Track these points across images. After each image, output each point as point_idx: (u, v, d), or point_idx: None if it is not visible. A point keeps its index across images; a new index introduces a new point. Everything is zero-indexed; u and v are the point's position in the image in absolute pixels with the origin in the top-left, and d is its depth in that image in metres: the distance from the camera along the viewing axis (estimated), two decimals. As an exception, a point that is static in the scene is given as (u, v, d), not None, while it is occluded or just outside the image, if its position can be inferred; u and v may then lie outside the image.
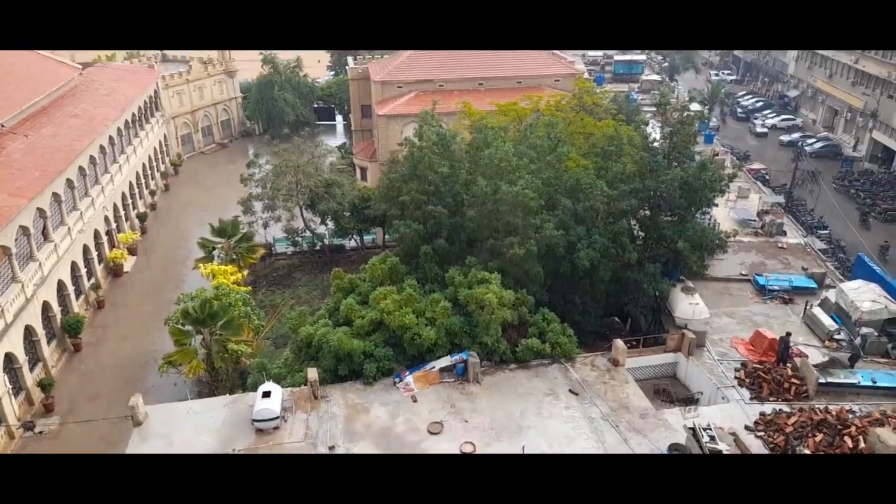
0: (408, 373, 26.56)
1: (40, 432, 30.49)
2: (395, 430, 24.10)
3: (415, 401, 25.53)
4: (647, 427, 24.15)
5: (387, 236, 45.12)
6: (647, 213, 33.10)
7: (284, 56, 76.83)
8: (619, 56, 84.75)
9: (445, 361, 26.76)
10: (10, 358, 30.67)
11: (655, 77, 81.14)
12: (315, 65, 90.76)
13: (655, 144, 35.54)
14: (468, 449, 22.92)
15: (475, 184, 30.16)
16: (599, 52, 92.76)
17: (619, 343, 28.18)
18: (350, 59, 64.75)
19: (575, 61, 61.41)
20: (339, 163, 52.51)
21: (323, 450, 22.97)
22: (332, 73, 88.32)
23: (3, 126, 40.53)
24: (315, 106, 79.75)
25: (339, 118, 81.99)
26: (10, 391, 30.38)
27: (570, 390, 26.25)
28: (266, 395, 24.31)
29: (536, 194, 29.46)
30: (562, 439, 23.57)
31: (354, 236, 47.06)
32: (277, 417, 23.79)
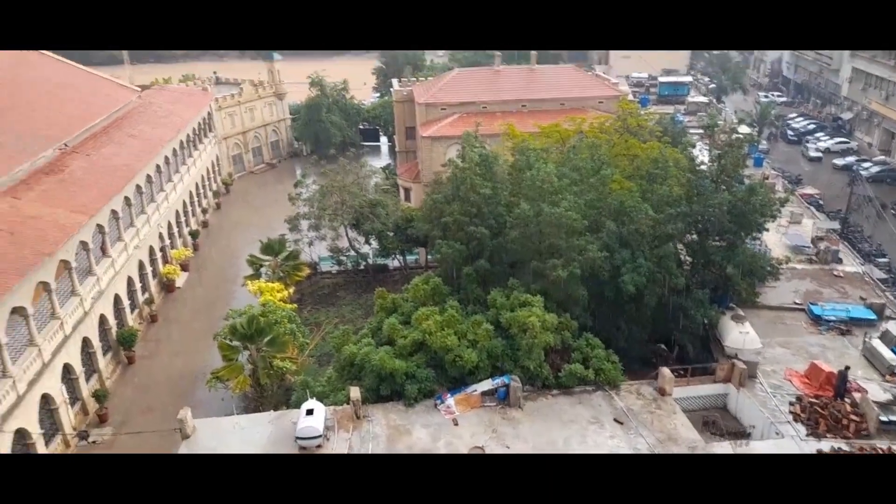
0: (449, 395, 26.55)
1: (94, 442, 31.56)
2: (437, 452, 24.05)
3: (456, 424, 25.48)
4: (695, 458, 23.49)
5: (429, 256, 45.47)
6: (695, 237, 32.51)
7: (332, 78, 78.82)
8: (664, 78, 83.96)
9: (487, 385, 26.66)
10: (67, 369, 31.95)
11: (702, 99, 79.94)
12: (361, 87, 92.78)
13: (703, 167, 34.99)
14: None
15: (517, 205, 30.22)
16: (644, 73, 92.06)
17: (665, 371, 27.56)
18: (395, 82, 65.92)
19: (619, 83, 61.12)
20: (383, 183, 53.35)
21: (364, 469, 23.08)
22: (378, 95, 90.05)
23: (66, 145, 42.66)
24: (360, 127, 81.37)
25: (383, 139, 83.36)
26: (67, 401, 31.59)
27: (615, 419, 25.76)
28: (309, 412, 24.64)
29: (580, 216, 29.33)
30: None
31: (397, 256, 47.56)
32: (320, 436, 24.05)
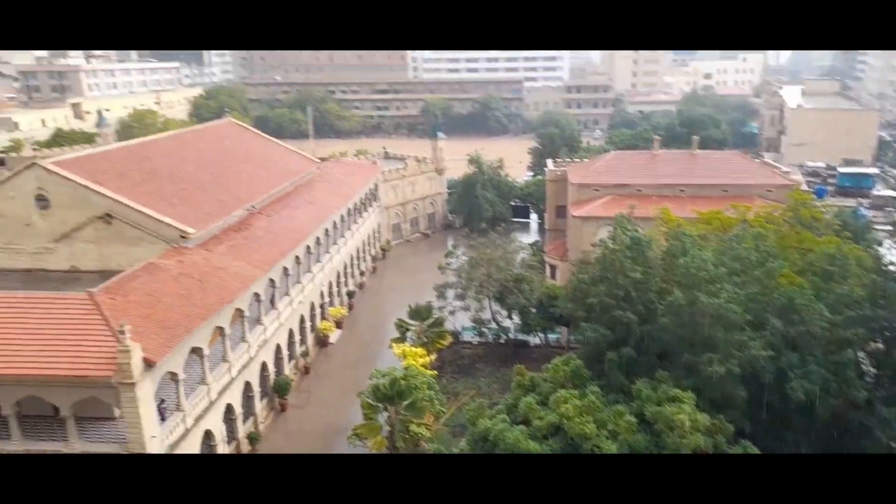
0: (584, 485, 25.22)
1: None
2: None
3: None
4: None
5: (571, 337, 44.49)
6: (881, 346, 28.79)
7: (489, 156, 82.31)
8: (844, 168, 77.25)
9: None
10: (229, 409, 34.98)
11: (890, 192, 72.14)
12: (516, 165, 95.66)
13: (892, 268, 31.30)
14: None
15: (670, 293, 28.91)
16: (820, 163, 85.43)
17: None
18: (550, 162, 67.24)
19: (790, 171, 57.25)
20: (530, 259, 53.79)
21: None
22: (532, 174, 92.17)
23: (254, 207, 48.33)
24: (512, 204, 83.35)
25: (533, 216, 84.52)
26: (225, 439, 34.42)
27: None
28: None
29: (741, 309, 27.34)
30: None
31: (539, 333, 47.12)
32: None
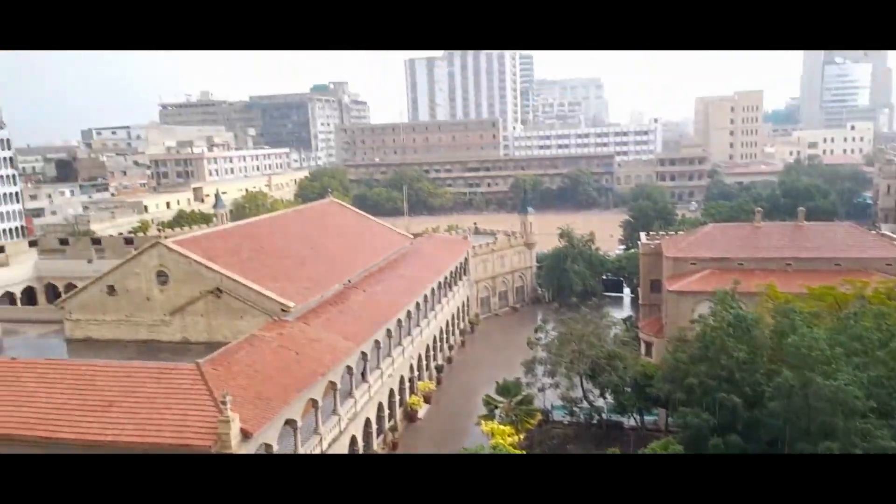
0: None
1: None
2: None
3: None
4: None
5: (669, 420, 41.95)
6: None
7: (580, 230, 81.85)
8: (980, 236, 69.97)
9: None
10: (319, 481, 35.35)
11: None
12: (608, 238, 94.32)
13: None
14: None
15: (778, 374, 26.90)
16: (951, 231, 78.00)
17: None
18: (643, 235, 65.82)
19: (914, 242, 52.73)
20: (623, 335, 51.95)
21: None
22: (624, 247, 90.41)
23: (349, 281, 50.29)
24: (604, 278, 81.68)
25: (626, 291, 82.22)
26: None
27: None
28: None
29: (862, 393, 24.92)
30: None
31: (634, 414, 44.77)
32: None
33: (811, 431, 25.58)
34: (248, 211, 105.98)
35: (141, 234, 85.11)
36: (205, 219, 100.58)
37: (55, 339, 43.55)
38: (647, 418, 45.21)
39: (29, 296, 63.97)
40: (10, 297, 61.68)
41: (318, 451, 35.27)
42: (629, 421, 45.36)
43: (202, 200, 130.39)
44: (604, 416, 45.42)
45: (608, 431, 44.52)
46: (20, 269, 64.35)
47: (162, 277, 42.50)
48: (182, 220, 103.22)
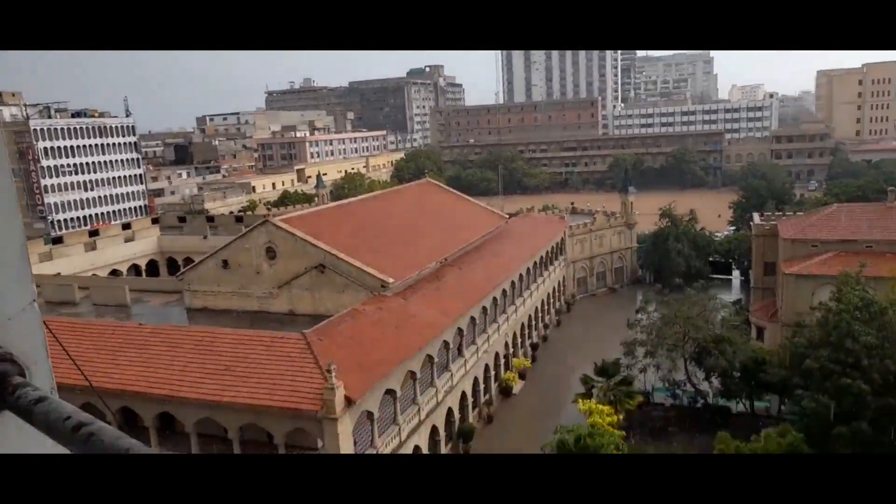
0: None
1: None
2: None
3: None
4: None
5: (782, 407, 39.36)
6: None
7: (684, 210, 78.03)
8: None
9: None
10: (416, 450, 36.19)
11: None
12: (716, 219, 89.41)
13: None
14: None
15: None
16: None
17: None
18: (756, 215, 61.75)
19: None
20: (731, 319, 49.15)
21: None
22: (734, 228, 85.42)
23: (446, 260, 50.75)
24: (711, 260, 77.56)
25: (735, 273, 77.72)
26: (412, 480, 35.49)
27: None
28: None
29: None
30: None
31: (743, 400, 42.36)
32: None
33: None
34: (347, 191, 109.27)
35: (250, 213, 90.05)
36: (307, 199, 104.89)
37: (176, 307, 47.08)
38: (758, 404, 42.68)
39: (152, 268, 69.64)
40: (136, 269, 67.39)
41: (415, 420, 36.08)
42: (737, 406, 42.99)
43: (305, 181, 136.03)
44: (709, 400, 43.32)
45: (713, 416, 42.41)
46: (144, 244, 70.09)
47: (270, 253, 44.75)
48: (286, 199, 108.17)
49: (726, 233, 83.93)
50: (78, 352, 34.40)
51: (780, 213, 62.64)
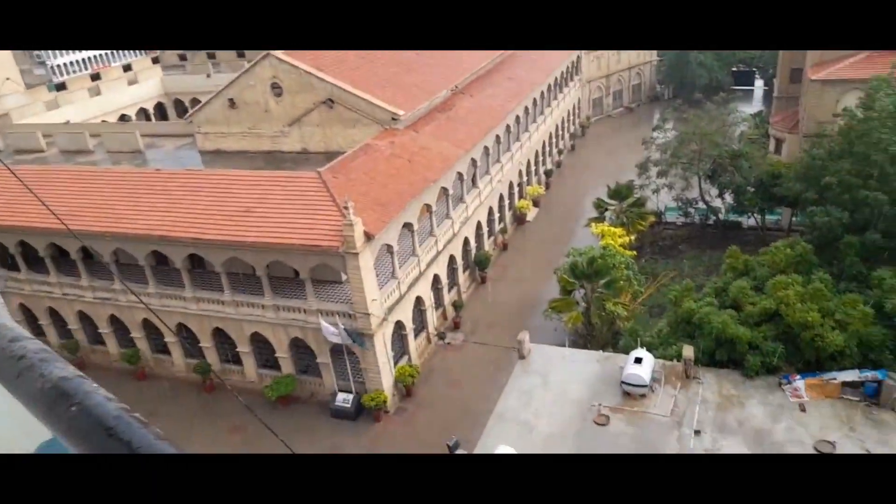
0: (799, 377, 23.54)
1: (448, 343, 37.28)
2: (774, 435, 21.83)
3: (803, 410, 22.59)
4: None
5: (793, 219, 39.87)
6: None
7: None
8: None
9: (852, 375, 22.77)
10: (436, 279, 37.98)
11: None
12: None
13: None
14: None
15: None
16: None
17: None
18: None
19: None
20: (751, 133, 48.02)
21: (688, 431, 22.40)
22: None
23: (457, 87, 48.95)
24: (734, 70, 73.85)
25: (758, 83, 74.35)
26: (434, 305, 37.77)
27: None
28: (638, 360, 24.68)
29: None
30: None
31: (755, 214, 42.87)
32: (646, 385, 24.02)
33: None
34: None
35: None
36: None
37: (189, 150, 46.96)
38: (769, 218, 43.24)
39: (160, 111, 68.46)
40: (144, 113, 66.34)
41: (433, 251, 37.39)
42: (748, 221, 43.66)
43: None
44: (721, 216, 43.91)
45: (724, 232, 43.32)
46: (149, 86, 68.15)
47: (276, 89, 43.39)
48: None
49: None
50: (102, 199, 35.24)
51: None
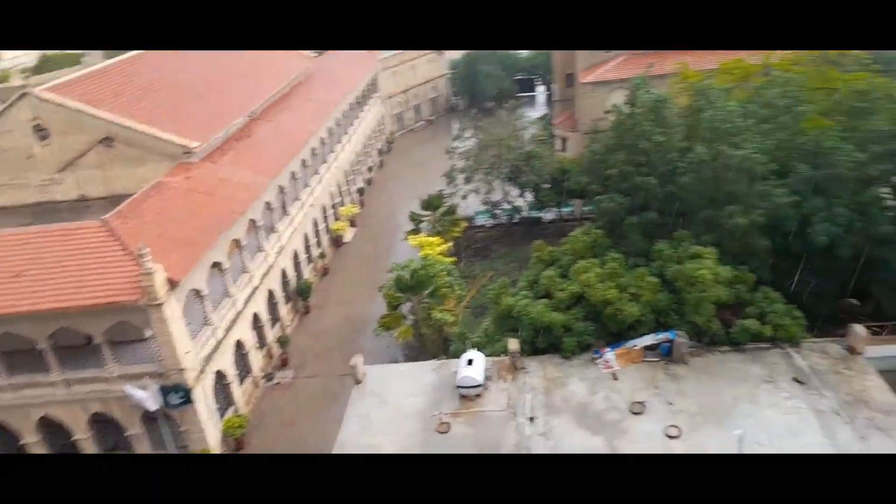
0: (608, 349, 25.76)
1: (277, 383, 35.22)
2: (594, 406, 23.59)
3: (615, 378, 24.72)
4: (893, 424, 20.71)
5: (584, 208, 43.97)
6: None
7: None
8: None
9: (649, 339, 25.40)
10: (256, 317, 35.79)
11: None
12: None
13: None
14: (673, 433, 21.65)
15: (692, 150, 27.84)
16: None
17: (857, 328, 24.24)
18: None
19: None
20: (539, 134, 52.21)
21: (523, 420, 23.35)
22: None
23: (253, 113, 46.93)
24: (517, 78, 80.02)
25: (540, 89, 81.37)
26: (257, 345, 35.50)
27: (795, 378, 23.32)
28: (469, 362, 25.27)
29: (767, 158, 26.40)
30: (782, 431, 21.09)
31: (553, 208, 46.62)
32: (480, 385, 24.64)
33: (718, 200, 27.23)
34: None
35: (3, 85, 75.02)
36: (73, 60, 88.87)
37: (-66, 215, 39.47)
38: (565, 210, 47.28)
39: None
40: None
41: (248, 288, 35.19)
42: (548, 215, 47.33)
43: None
44: (524, 214, 47.08)
45: (529, 228, 46.49)
46: None
47: (41, 131, 38.31)
48: (47, 64, 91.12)
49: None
50: None
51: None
